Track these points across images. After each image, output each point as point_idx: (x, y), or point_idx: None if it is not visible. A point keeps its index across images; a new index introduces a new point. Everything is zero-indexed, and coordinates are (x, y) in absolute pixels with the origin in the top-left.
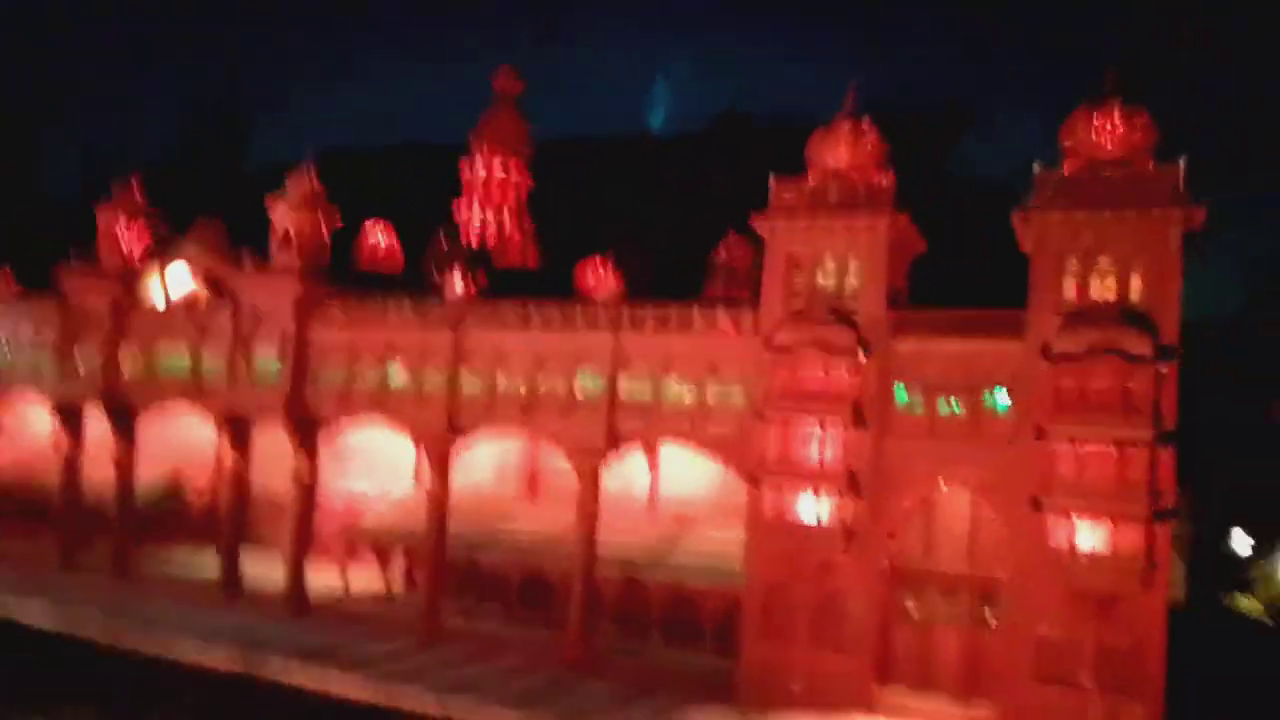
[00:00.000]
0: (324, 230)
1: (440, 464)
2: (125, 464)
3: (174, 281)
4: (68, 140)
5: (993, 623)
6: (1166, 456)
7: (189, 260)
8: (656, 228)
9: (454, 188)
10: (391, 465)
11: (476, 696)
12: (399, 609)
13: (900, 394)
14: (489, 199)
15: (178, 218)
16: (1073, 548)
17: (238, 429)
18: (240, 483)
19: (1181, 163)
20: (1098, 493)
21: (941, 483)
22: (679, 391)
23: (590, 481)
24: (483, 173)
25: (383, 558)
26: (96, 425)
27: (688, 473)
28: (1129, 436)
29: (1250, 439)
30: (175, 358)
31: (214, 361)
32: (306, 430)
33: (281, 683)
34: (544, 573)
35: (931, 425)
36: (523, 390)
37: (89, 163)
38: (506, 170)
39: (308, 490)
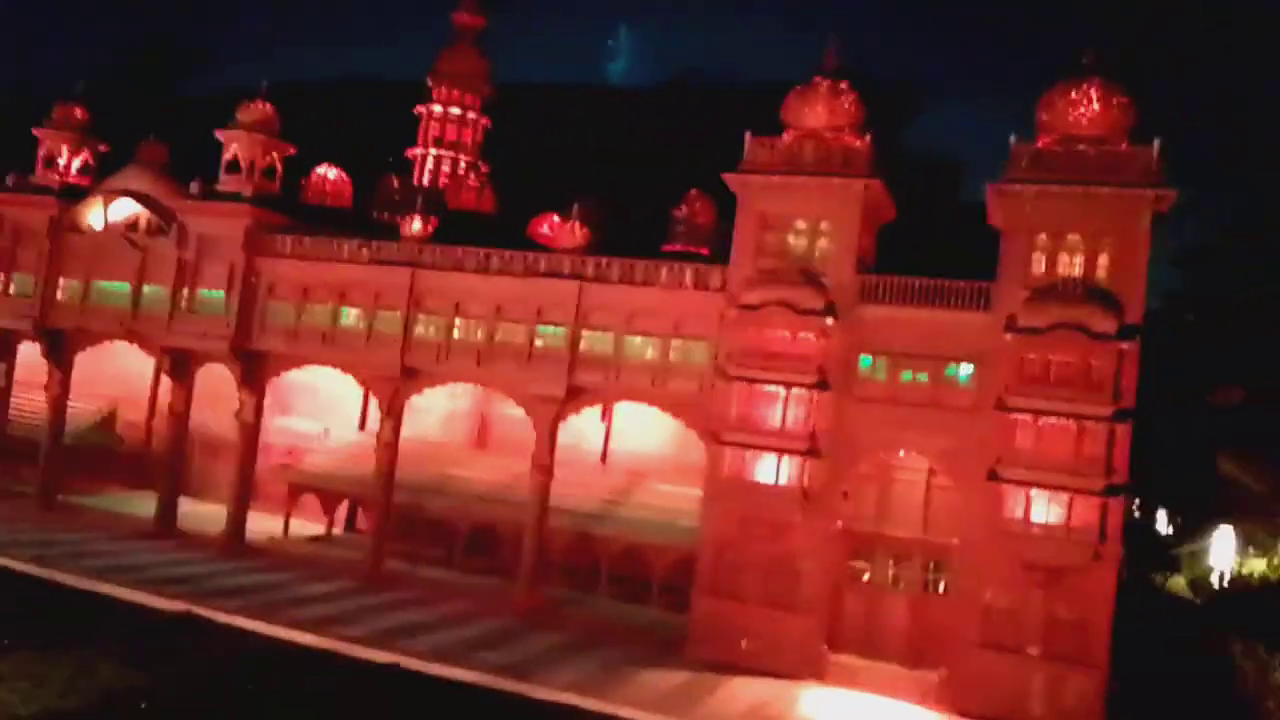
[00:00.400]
0: (276, 160)
1: (391, 409)
2: (58, 394)
3: (114, 205)
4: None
5: (942, 589)
6: (1123, 433)
7: (132, 183)
8: (613, 180)
9: (406, 126)
10: (335, 407)
11: (420, 641)
12: (340, 553)
13: (864, 360)
14: (444, 138)
15: (116, 142)
16: (1027, 519)
17: (179, 363)
18: (180, 419)
19: (1156, 144)
20: (1055, 466)
21: (900, 450)
22: (641, 346)
23: (546, 433)
24: (438, 109)
25: (326, 502)
26: (27, 352)
27: (642, 429)
28: (1088, 412)
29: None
30: (114, 285)
31: (156, 291)
32: (252, 367)
33: (217, 622)
34: (492, 522)
35: (893, 392)
36: (480, 336)
37: (20, 83)
38: (464, 108)
39: (251, 429)
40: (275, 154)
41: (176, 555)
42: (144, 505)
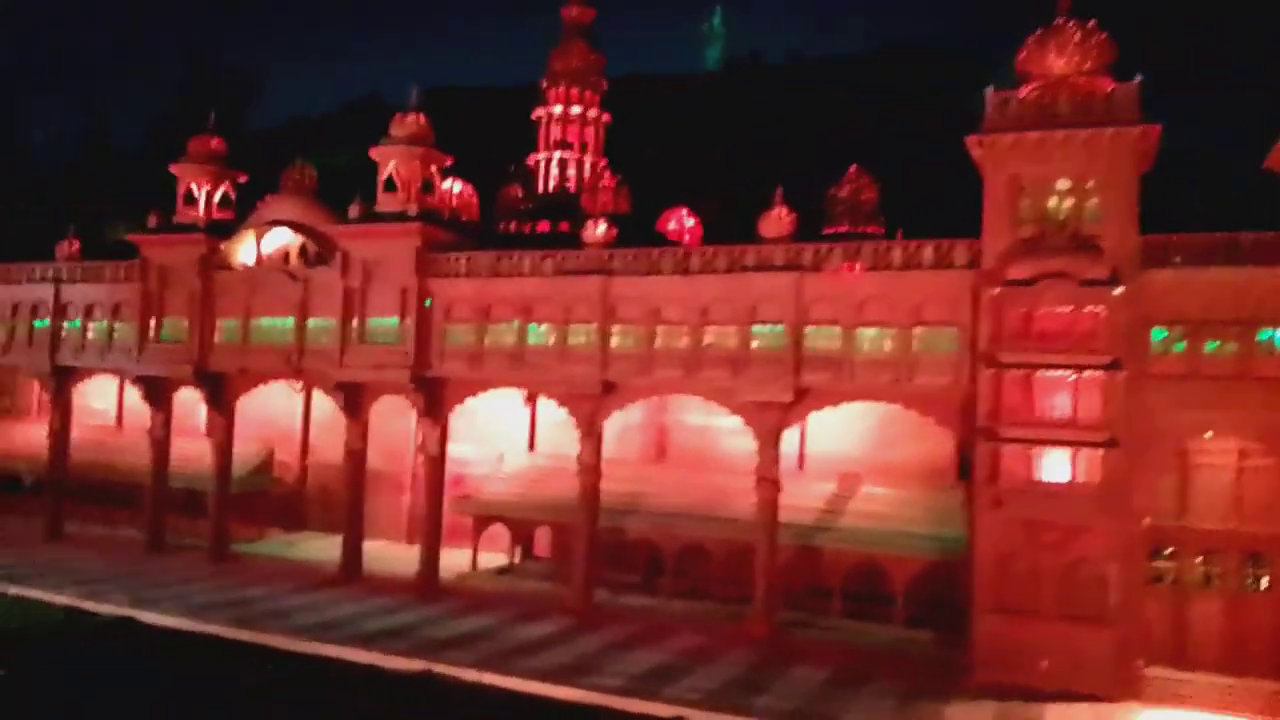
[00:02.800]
0: (434, 175)
1: (589, 426)
2: (223, 440)
3: (267, 238)
4: (58, 107)
5: (1264, 585)
6: None
7: (284, 212)
8: (731, 169)
9: (514, 132)
10: (495, 431)
11: (682, 687)
12: (534, 586)
13: (1156, 333)
14: (566, 140)
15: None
16: None
17: (352, 398)
18: (358, 457)
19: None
20: None
21: (1207, 432)
22: (876, 339)
23: (770, 443)
24: (558, 110)
25: (515, 532)
26: (180, 399)
27: (834, 430)
28: None
29: None
30: (275, 322)
31: (321, 324)
32: (433, 394)
33: (461, 679)
34: (699, 542)
35: (1195, 366)
36: (685, 343)
37: (93, 132)
38: (584, 106)
39: (436, 461)
40: (434, 167)
41: (376, 603)
42: (313, 548)
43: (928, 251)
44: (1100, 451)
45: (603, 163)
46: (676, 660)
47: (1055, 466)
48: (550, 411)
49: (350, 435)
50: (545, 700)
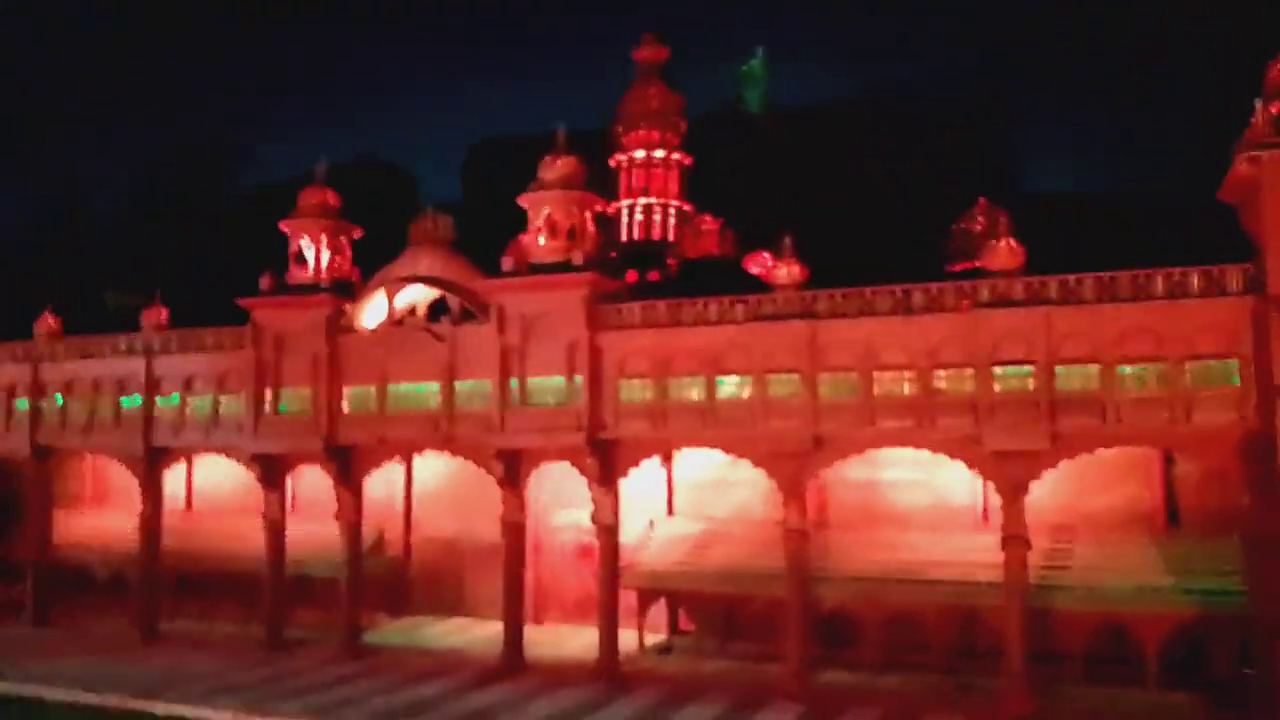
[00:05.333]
0: (589, 220)
1: (794, 487)
2: (353, 520)
3: (401, 296)
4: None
5: None
6: None
7: (421, 267)
8: (814, 206)
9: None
10: (631, 495)
11: None
12: (717, 666)
13: None
14: (649, 184)
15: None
16: None
17: (510, 465)
18: (517, 530)
19: None
20: None
21: None
22: (1138, 376)
23: (1016, 497)
24: (640, 155)
25: (691, 607)
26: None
27: None
28: None
29: None
30: (417, 387)
31: (472, 387)
32: (606, 458)
33: None
34: (908, 609)
35: None
36: (908, 389)
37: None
38: (667, 149)
39: (611, 532)
40: (588, 212)
41: (568, 697)
42: (445, 634)
43: (1195, 278)
44: None
45: (688, 206)
46: None
47: None
48: (689, 472)
49: (508, 507)
50: None
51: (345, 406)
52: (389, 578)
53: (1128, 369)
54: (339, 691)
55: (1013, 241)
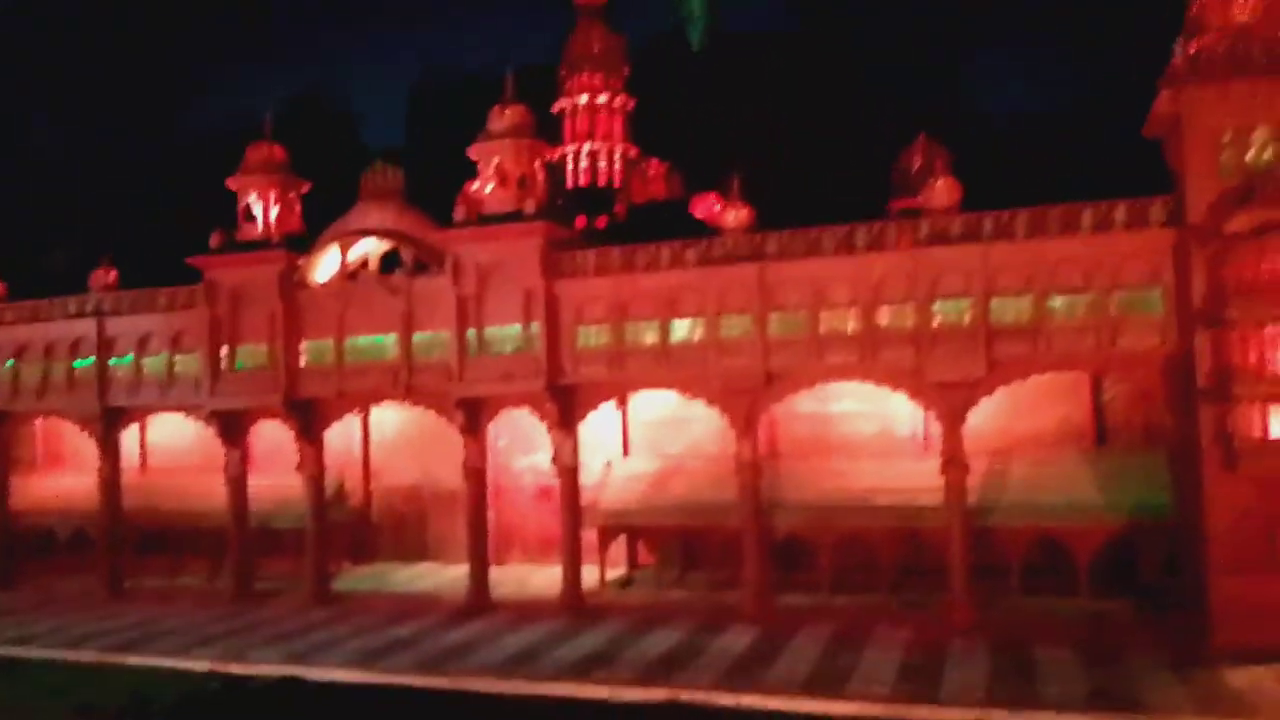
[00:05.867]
0: (540, 169)
1: (747, 423)
2: (315, 472)
3: (354, 250)
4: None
5: None
6: None
7: (371, 220)
8: (754, 146)
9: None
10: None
11: (946, 690)
12: (679, 595)
13: None
14: (593, 128)
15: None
16: None
17: (472, 414)
18: (479, 475)
19: None
20: None
21: None
22: (1072, 305)
23: (955, 424)
24: (583, 100)
25: (651, 542)
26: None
27: None
28: None
29: None
30: (374, 339)
31: (430, 338)
32: (565, 403)
33: (710, 704)
34: (856, 533)
35: None
36: (853, 326)
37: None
38: (611, 93)
39: (571, 473)
40: (538, 161)
41: (539, 630)
42: (410, 579)
43: (1120, 211)
44: None
45: (634, 150)
46: (914, 656)
47: None
48: (644, 412)
49: (469, 454)
50: (810, 716)
51: (303, 360)
52: (352, 526)
53: (1059, 299)
54: (314, 636)
55: (950, 180)
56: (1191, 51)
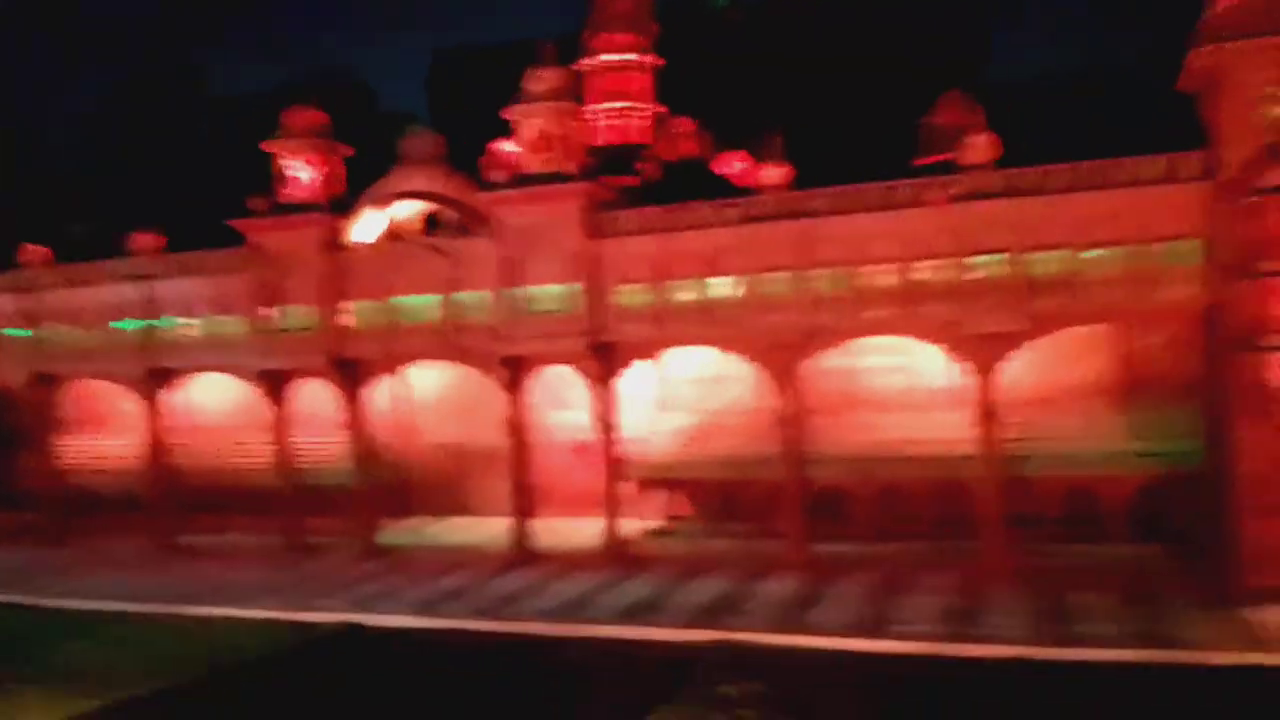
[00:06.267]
0: (579, 129)
1: (786, 378)
2: (361, 430)
3: (395, 212)
4: None
5: None
6: None
7: (415, 183)
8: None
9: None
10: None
11: (986, 628)
12: (719, 545)
13: None
14: (622, 87)
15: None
16: None
17: (515, 372)
18: (522, 431)
19: None
20: None
21: None
22: (1109, 258)
23: (990, 376)
24: (612, 58)
25: (694, 495)
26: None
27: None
28: None
29: None
30: (419, 300)
31: (475, 298)
32: (606, 360)
33: (760, 643)
34: (896, 484)
35: None
36: (893, 281)
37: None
38: (640, 52)
39: (611, 428)
40: (575, 123)
41: (587, 580)
42: (453, 532)
43: (1155, 167)
44: None
45: (662, 109)
46: (955, 601)
47: None
48: (682, 370)
49: (513, 410)
50: (858, 654)
51: (350, 321)
52: (394, 483)
53: (1096, 253)
54: (370, 587)
55: (989, 135)
56: (1228, 5)
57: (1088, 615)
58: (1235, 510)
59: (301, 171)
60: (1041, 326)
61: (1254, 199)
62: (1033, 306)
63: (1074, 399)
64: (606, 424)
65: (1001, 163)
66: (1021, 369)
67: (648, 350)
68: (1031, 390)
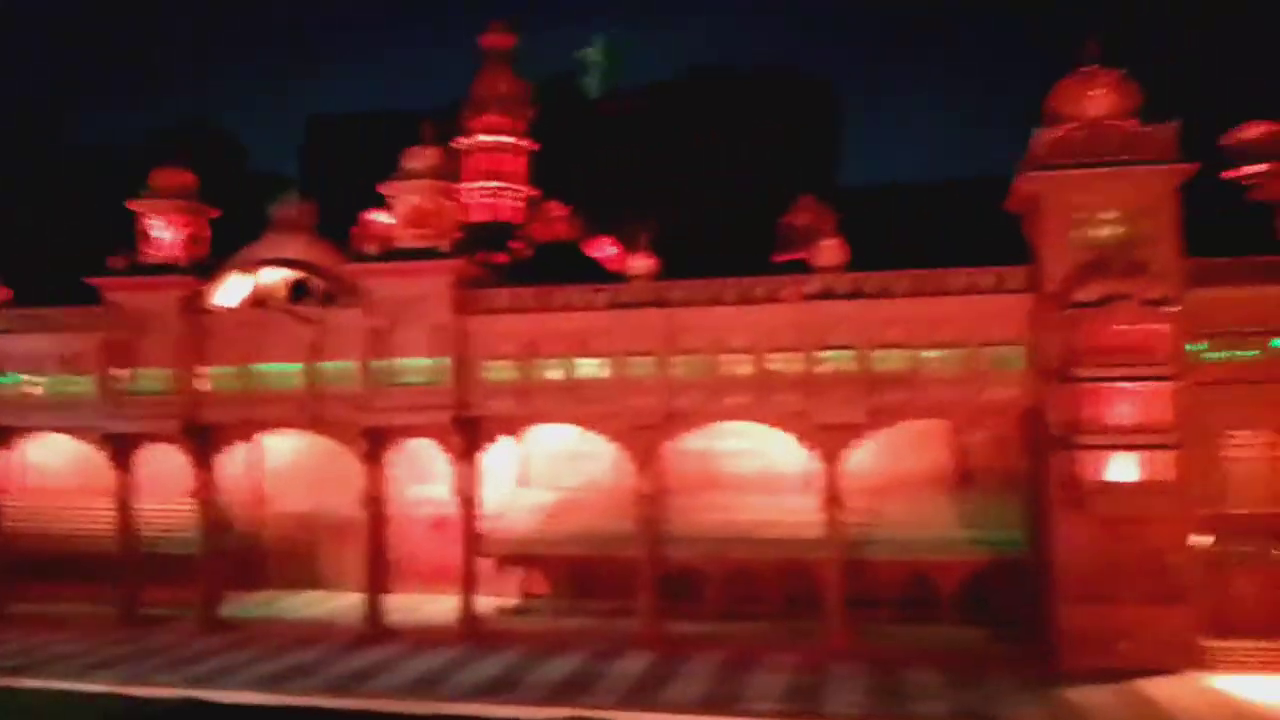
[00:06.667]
0: (453, 207)
1: (647, 457)
2: (209, 497)
3: (260, 278)
4: None
5: None
6: None
7: (285, 250)
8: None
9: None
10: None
11: (836, 703)
12: (574, 623)
13: (1197, 344)
14: (497, 167)
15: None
16: None
17: (376, 444)
18: (378, 504)
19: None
20: None
21: (1243, 428)
22: (944, 359)
23: (835, 464)
24: (487, 139)
25: (549, 571)
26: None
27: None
28: None
29: None
30: (280, 367)
31: (339, 368)
32: (470, 435)
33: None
34: (747, 564)
35: (1230, 372)
36: (749, 371)
37: None
38: (515, 135)
39: (471, 502)
40: (451, 201)
41: (441, 656)
42: (299, 607)
43: (987, 278)
44: (1171, 452)
45: (535, 191)
46: (799, 678)
47: (1124, 467)
48: (542, 446)
49: (370, 483)
50: None
51: (207, 386)
52: (242, 553)
53: (934, 353)
54: (212, 662)
55: (839, 240)
56: (1051, 139)
57: (922, 693)
58: (1054, 596)
59: (165, 232)
60: (883, 419)
61: (1070, 311)
62: (875, 400)
63: (912, 488)
64: (467, 499)
65: (852, 265)
66: (865, 458)
67: (513, 426)
68: (874, 478)
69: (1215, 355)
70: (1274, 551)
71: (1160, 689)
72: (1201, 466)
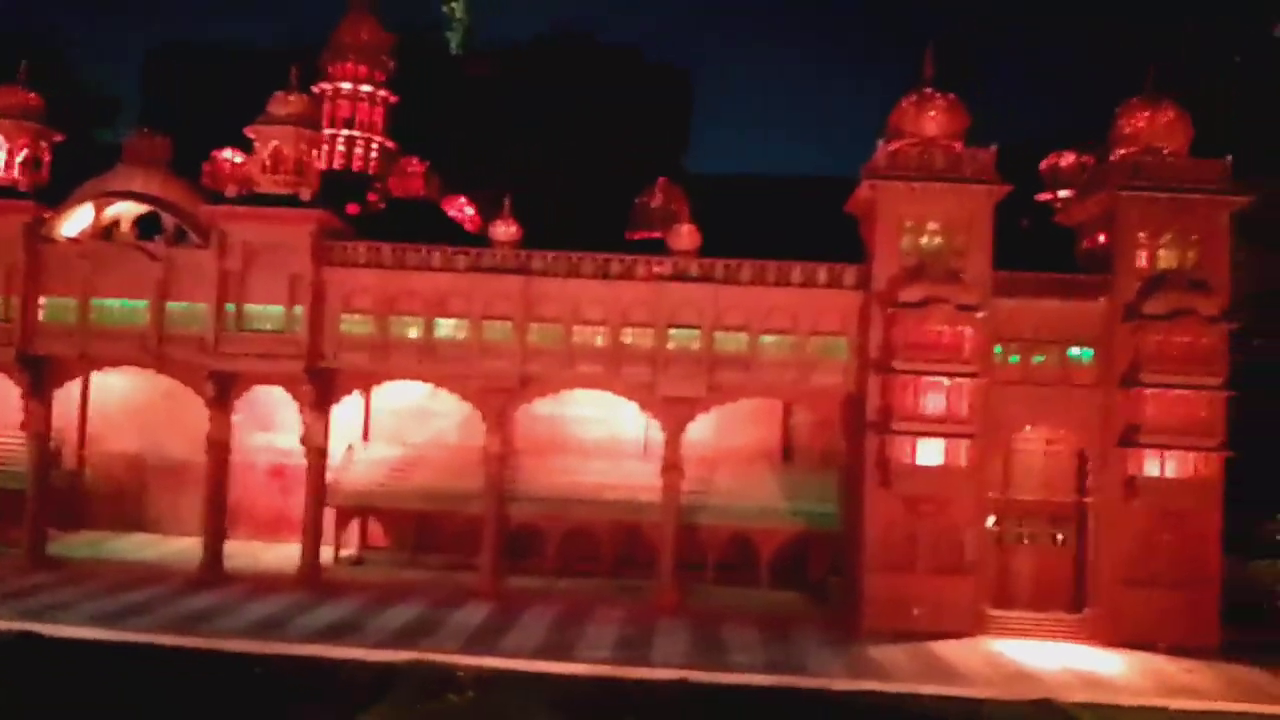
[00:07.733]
0: (316, 156)
1: (499, 419)
2: (43, 432)
3: (109, 211)
4: None
5: (1060, 540)
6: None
7: (135, 184)
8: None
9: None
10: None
11: (660, 652)
12: (414, 575)
13: (999, 348)
14: (354, 116)
15: None
16: (1163, 474)
17: (223, 389)
18: (221, 449)
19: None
20: (1177, 430)
21: (1030, 425)
22: (778, 344)
23: (676, 435)
24: (346, 87)
25: (389, 524)
26: None
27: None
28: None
29: None
30: (125, 303)
31: (187, 309)
32: (323, 387)
33: (445, 662)
34: (586, 524)
35: (1025, 375)
36: (602, 342)
37: None
38: (373, 85)
39: (320, 454)
40: (314, 149)
41: (282, 601)
42: (130, 548)
43: (822, 273)
44: (968, 441)
45: (392, 144)
46: (632, 632)
47: (930, 453)
48: (388, 401)
49: (215, 427)
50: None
51: (42, 317)
52: (66, 492)
53: (769, 338)
54: (43, 597)
55: (692, 227)
56: (889, 151)
57: (739, 647)
58: (861, 565)
59: (2, 152)
60: (721, 395)
61: (892, 310)
62: (715, 378)
63: (741, 461)
64: (317, 449)
65: (703, 249)
66: (702, 430)
67: (367, 380)
68: (708, 450)
69: (1013, 358)
70: (1055, 534)
71: (948, 649)
72: (993, 456)
